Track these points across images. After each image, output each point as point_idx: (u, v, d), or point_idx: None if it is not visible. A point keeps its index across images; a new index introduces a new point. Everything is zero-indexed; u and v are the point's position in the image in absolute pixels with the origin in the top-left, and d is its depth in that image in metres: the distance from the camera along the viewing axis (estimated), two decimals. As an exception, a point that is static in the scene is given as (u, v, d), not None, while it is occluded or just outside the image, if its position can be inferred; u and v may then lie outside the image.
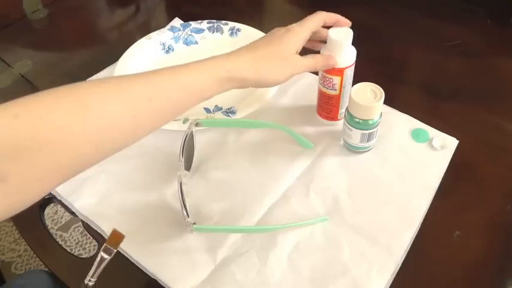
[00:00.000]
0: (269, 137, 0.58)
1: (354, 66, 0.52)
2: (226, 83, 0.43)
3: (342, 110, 0.56)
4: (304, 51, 0.50)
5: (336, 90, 0.53)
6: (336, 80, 0.52)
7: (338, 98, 0.54)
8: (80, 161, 0.34)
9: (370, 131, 0.51)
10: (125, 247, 0.48)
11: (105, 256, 0.42)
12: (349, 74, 0.52)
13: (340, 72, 0.51)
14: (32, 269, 1.16)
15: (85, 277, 0.43)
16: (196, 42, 0.72)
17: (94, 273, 0.42)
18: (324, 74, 0.52)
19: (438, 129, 0.57)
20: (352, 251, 0.46)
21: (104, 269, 0.43)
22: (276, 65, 0.46)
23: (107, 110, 0.34)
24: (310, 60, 0.49)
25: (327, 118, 0.58)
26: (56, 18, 0.87)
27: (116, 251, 0.42)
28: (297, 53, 0.48)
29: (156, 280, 0.46)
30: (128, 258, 0.47)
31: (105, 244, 0.42)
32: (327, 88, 0.53)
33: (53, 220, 1.25)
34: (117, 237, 0.43)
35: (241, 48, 0.46)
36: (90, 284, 0.42)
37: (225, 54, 0.44)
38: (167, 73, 0.39)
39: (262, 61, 0.45)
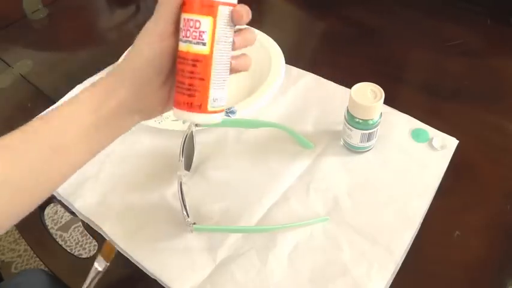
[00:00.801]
0: (269, 137, 0.58)
1: (233, 12, 0.32)
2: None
3: (216, 93, 0.33)
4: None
5: (205, 45, 0.31)
6: (205, 23, 0.31)
7: (208, 61, 0.32)
8: None
9: (370, 131, 0.51)
10: (125, 247, 0.48)
11: (99, 268, 0.43)
12: (227, 19, 0.32)
13: (210, 9, 0.31)
14: (29, 268, 1.16)
15: (85, 277, 0.43)
16: (196, 42, 0.72)
17: (89, 285, 0.43)
18: (186, 16, 0.32)
19: (438, 129, 0.57)
20: (352, 251, 0.46)
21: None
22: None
23: None
24: None
25: (186, 105, 0.33)
26: (56, 18, 0.87)
27: (108, 264, 0.43)
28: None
29: (156, 280, 0.46)
30: (128, 258, 0.47)
31: (98, 255, 0.43)
32: (191, 42, 0.32)
33: (53, 220, 1.25)
34: (108, 250, 0.44)
35: None
36: None
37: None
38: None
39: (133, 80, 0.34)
